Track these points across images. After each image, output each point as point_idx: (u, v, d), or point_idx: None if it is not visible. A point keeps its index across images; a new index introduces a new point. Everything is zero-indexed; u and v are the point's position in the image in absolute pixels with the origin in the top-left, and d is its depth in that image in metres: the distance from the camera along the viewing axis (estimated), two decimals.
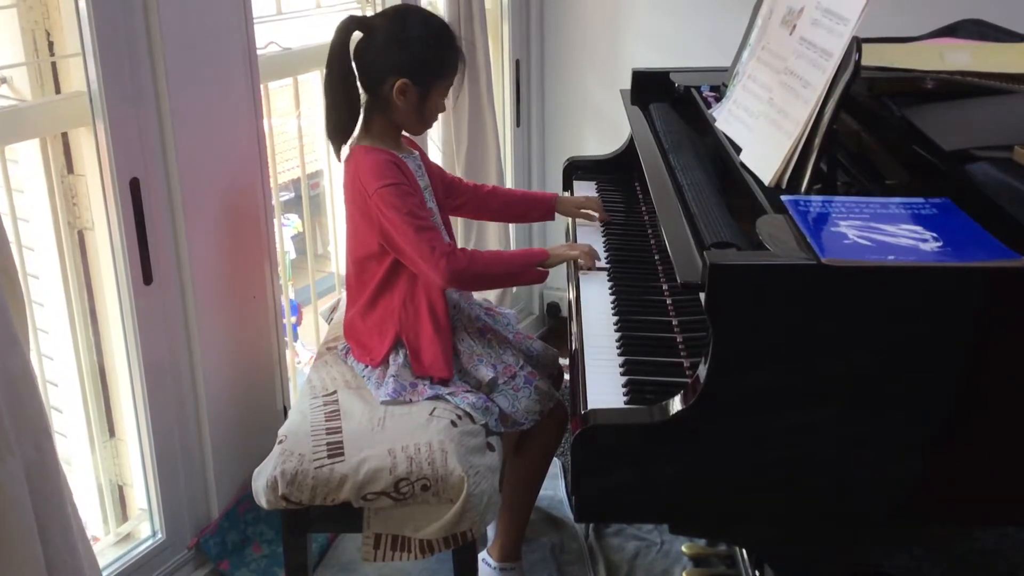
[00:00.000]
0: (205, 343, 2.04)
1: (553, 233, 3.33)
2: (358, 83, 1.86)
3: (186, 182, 1.92)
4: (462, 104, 2.71)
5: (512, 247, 3.14)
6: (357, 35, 1.86)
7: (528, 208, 2.26)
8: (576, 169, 2.48)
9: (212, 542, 2.15)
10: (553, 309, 3.54)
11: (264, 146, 2.12)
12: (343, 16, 1.86)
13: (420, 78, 1.84)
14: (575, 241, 2.11)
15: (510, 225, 3.07)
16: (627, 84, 2.37)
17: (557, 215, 2.25)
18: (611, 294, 1.83)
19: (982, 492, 1.35)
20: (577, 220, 2.21)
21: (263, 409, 2.25)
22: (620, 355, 1.60)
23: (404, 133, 1.97)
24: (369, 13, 2.36)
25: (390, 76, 1.83)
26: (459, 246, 1.92)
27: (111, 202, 1.83)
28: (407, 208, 1.81)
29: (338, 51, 1.83)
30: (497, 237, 2.96)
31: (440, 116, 1.97)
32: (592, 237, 2.11)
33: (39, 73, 1.83)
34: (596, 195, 2.28)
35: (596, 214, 2.20)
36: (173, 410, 2.03)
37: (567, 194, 2.39)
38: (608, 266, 1.95)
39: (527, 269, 1.93)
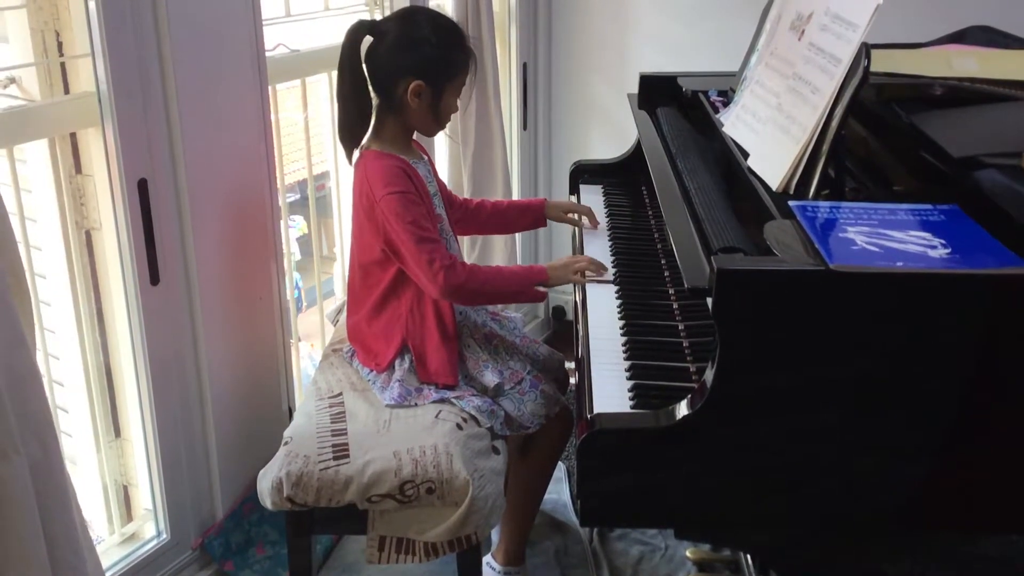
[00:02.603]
0: (211, 344, 2.04)
1: (559, 240, 3.33)
2: (369, 87, 1.86)
3: (193, 183, 1.92)
4: (469, 107, 2.72)
5: (518, 257, 3.14)
6: (367, 40, 1.86)
7: (516, 216, 2.25)
8: (583, 173, 2.48)
9: (216, 543, 2.15)
10: (559, 313, 3.54)
11: (271, 147, 2.12)
12: (352, 18, 1.86)
13: (433, 79, 1.84)
14: (581, 247, 2.10)
15: (516, 234, 3.07)
16: (634, 88, 2.37)
17: (549, 221, 2.24)
18: (617, 298, 1.83)
19: (987, 499, 1.35)
20: (584, 226, 2.20)
21: (268, 410, 2.25)
22: (626, 359, 1.60)
23: (414, 137, 1.97)
24: (378, 16, 2.37)
25: (403, 78, 1.83)
26: (464, 257, 1.90)
27: (119, 202, 1.84)
28: (411, 217, 1.80)
29: (348, 56, 1.83)
30: (503, 244, 2.96)
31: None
32: (599, 241, 2.11)
33: (48, 73, 1.83)
34: (586, 204, 2.27)
35: (586, 220, 2.18)
36: (179, 410, 2.03)
37: (572, 198, 2.39)
38: (614, 272, 1.95)
39: (525, 288, 1.92)
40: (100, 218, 1.92)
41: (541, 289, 1.92)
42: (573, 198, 2.42)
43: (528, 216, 2.24)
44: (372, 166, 1.85)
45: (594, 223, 2.18)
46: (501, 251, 2.96)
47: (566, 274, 1.92)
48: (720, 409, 1.28)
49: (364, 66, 1.85)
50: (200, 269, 1.98)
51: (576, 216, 2.21)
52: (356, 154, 1.92)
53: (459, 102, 1.94)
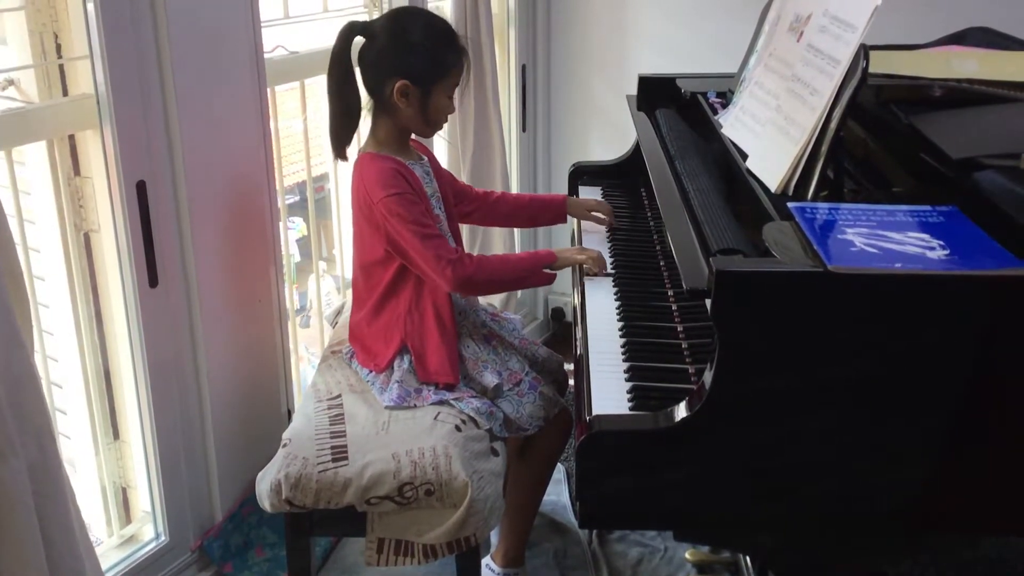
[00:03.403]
0: (210, 346, 2.04)
1: (558, 238, 3.33)
2: (360, 88, 1.87)
3: (192, 185, 1.92)
4: (468, 109, 2.72)
5: (516, 248, 3.14)
6: (358, 41, 1.86)
7: (538, 212, 2.25)
8: (582, 174, 2.48)
9: (215, 545, 2.15)
10: (558, 314, 3.54)
11: (270, 149, 2.12)
12: (350, 20, 1.86)
13: (421, 78, 1.83)
14: (581, 246, 2.10)
15: (515, 229, 3.07)
16: (633, 89, 2.37)
17: (551, 227, 2.24)
18: (616, 300, 1.83)
19: (986, 501, 1.35)
20: (583, 226, 2.20)
21: (267, 412, 2.25)
22: (625, 361, 1.60)
23: (413, 137, 1.97)
24: (375, 16, 2.37)
25: (391, 78, 1.83)
26: (466, 251, 1.91)
27: (117, 205, 1.83)
28: (412, 216, 1.81)
29: (339, 57, 1.83)
30: (502, 240, 2.96)
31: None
32: (598, 243, 2.11)
33: (47, 75, 1.83)
34: (605, 200, 2.27)
35: (605, 218, 2.19)
36: (177, 412, 2.03)
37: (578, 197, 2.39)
38: (613, 272, 1.95)
39: (534, 272, 1.93)
40: (99, 220, 1.91)
41: (548, 271, 1.93)
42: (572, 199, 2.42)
43: (550, 212, 2.24)
44: (368, 169, 1.85)
45: (612, 221, 2.19)
46: (500, 246, 2.96)
47: (573, 256, 1.94)
48: (719, 411, 1.28)
49: (357, 67, 1.85)
50: (199, 271, 1.98)
51: (598, 214, 2.20)
52: (352, 155, 1.92)
53: (454, 103, 1.94)
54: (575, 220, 2.25)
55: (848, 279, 1.20)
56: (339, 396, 1.90)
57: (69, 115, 1.81)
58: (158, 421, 1.99)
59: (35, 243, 1.95)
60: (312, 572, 1.85)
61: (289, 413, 2.30)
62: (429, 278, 1.85)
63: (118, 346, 2.00)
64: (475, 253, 2.80)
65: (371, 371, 1.93)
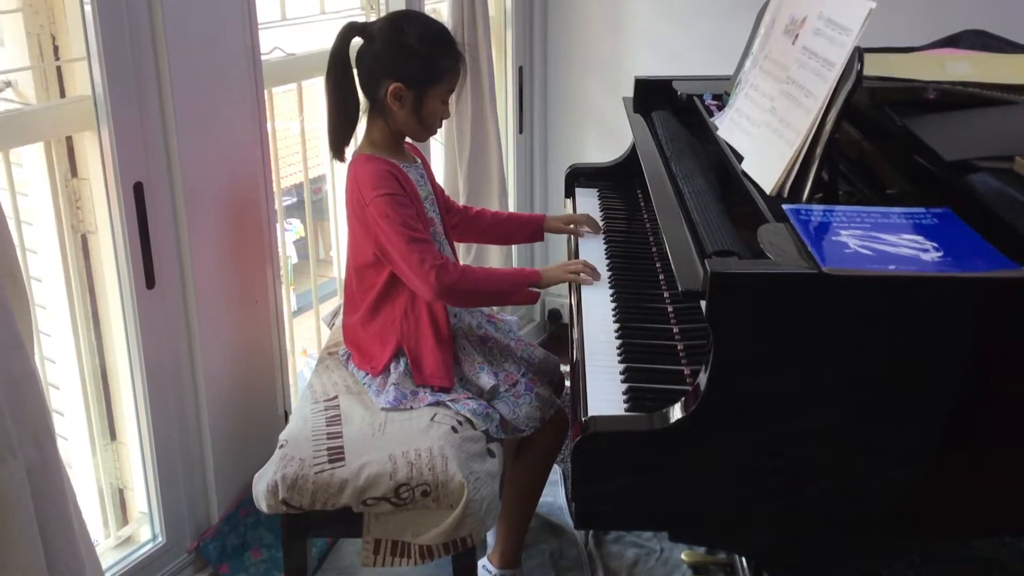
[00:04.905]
0: (207, 347, 2.04)
1: (555, 247, 3.33)
2: (358, 89, 1.87)
3: (189, 186, 1.93)
4: (464, 111, 2.72)
5: (514, 264, 3.14)
6: (357, 42, 1.86)
7: (515, 229, 2.25)
8: (578, 176, 2.48)
9: (212, 546, 2.15)
10: (554, 316, 3.55)
11: (267, 151, 2.12)
12: (349, 21, 1.87)
13: (415, 82, 1.84)
14: (576, 251, 2.10)
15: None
16: (630, 91, 2.37)
17: (548, 235, 2.24)
18: (612, 301, 1.83)
19: (980, 501, 1.35)
20: (585, 233, 2.19)
21: (264, 413, 2.25)
22: (621, 362, 1.60)
23: (408, 140, 1.97)
24: (373, 18, 2.37)
25: (385, 81, 1.83)
26: (459, 261, 1.90)
27: (114, 206, 1.84)
28: (400, 219, 1.80)
29: (338, 57, 1.84)
30: (499, 251, 2.96)
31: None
32: (594, 245, 2.12)
33: (44, 77, 1.84)
34: (585, 213, 2.24)
35: (587, 229, 2.18)
36: (174, 413, 2.03)
37: (569, 208, 2.39)
38: (609, 275, 1.95)
39: (518, 289, 1.92)
40: (96, 222, 1.92)
41: (534, 290, 1.93)
42: (568, 201, 2.43)
43: (526, 230, 2.24)
44: (361, 170, 1.85)
45: (596, 228, 2.18)
46: (496, 260, 2.96)
47: (559, 273, 1.93)
48: (714, 412, 1.28)
49: (354, 68, 1.86)
50: (196, 273, 1.98)
51: (574, 225, 2.19)
52: (348, 155, 1.93)
53: (450, 108, 1.94)
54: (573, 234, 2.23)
55: (842, 281, 1.20)
56: (335, 398, 1.90)
57: (66, 117, 1.81)
58: (155, 422, 1.99)
59: (32, 245, 1.96)
60: (308, 573, 1.86)
61: (286, 414, 2.30)
62: (411, 282, 1.83)
63: (115, 347, 2.00)
64: (467, 264, 2.80)
65: (367, 373, 1.93)
